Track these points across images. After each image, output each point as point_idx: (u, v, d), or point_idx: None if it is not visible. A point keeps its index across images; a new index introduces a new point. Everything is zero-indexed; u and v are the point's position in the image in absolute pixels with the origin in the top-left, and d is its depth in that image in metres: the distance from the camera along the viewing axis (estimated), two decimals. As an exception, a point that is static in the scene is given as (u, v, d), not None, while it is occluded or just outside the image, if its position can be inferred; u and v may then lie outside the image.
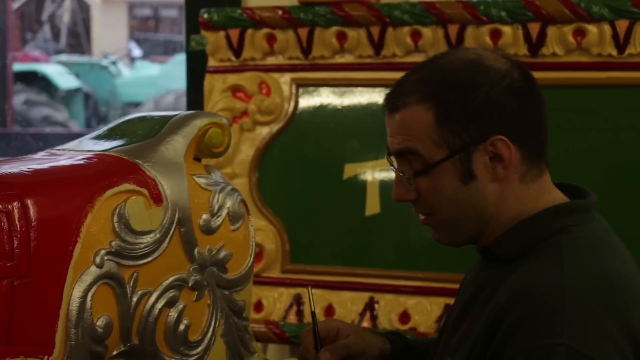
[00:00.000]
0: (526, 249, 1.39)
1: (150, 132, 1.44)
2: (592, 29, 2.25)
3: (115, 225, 1.32)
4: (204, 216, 1.44)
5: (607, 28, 2.24)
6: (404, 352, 1.62)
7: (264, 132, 2.52)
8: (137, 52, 16.69)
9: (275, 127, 2.51)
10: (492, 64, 1.40)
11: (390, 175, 2.42)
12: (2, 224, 1.24)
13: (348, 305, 2.43)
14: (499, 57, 1.42)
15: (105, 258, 1.31)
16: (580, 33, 2.25)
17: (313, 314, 1.54)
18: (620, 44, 2.23)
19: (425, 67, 1.45)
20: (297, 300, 2.48)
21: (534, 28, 2.28)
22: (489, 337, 1.32)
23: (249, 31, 2.50)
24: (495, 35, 2.30)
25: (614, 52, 2.24)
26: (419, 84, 1.41)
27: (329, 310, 2.45)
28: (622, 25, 2.23)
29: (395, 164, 1.45)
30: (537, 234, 1.39)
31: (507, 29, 2.29)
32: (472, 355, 1.36)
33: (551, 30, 2.27)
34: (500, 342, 1.30)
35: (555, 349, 1.25)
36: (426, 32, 2.36)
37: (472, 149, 1.38)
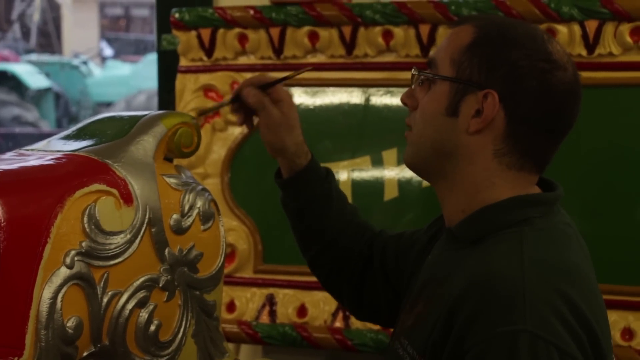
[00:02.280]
0: (486, 234, 1.39)
1: (119, 132, 1.44)
2: (562, 29, 2.26)
3: (86, 225, 1.31)
4: (175, 216, 1.43)
5: (576, 28, 2.26)
6: (322, 177, 1.73)
7: (236, 132, 2.51)
8: (108, 51, 16.62)
9: (247, 127, 2.50)
10: (551, 49, 1.40)
11: (363, 175, 2.43)
12: (-29, 225, 1.23)
13: (321, 306, 2.43)
14: (563, 54, 1.42)
15: (76, 259, 1.30)
16: (550, 33, 2.26)
17: (286, 77, 1.66)
18: (590, 44, 2.25)
19: (501, 17, 1.53)
20: (270, 301, 2.48)
21: (505, 28, 2.29)
22: (448, 324, 1.31)
23: (221, 31, 2.50)
24: (466, 35, 2.31)
25: (584, 53, 2.26)
26: (485, 18, 1.49)
27: (302, 310, 2.45)
28: (591, 25, 2.24)
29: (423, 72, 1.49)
30: (499, 221, 1.39)
31: (478, 29, 2.30)
32: (429, 340, 1.35)
33: (521, 31, 2.29)
34: (461, 332, 1.29)
35: (519, 335, 1.24)
36: (398, 32, 2.37)
37: (470, 88, 1.40)
